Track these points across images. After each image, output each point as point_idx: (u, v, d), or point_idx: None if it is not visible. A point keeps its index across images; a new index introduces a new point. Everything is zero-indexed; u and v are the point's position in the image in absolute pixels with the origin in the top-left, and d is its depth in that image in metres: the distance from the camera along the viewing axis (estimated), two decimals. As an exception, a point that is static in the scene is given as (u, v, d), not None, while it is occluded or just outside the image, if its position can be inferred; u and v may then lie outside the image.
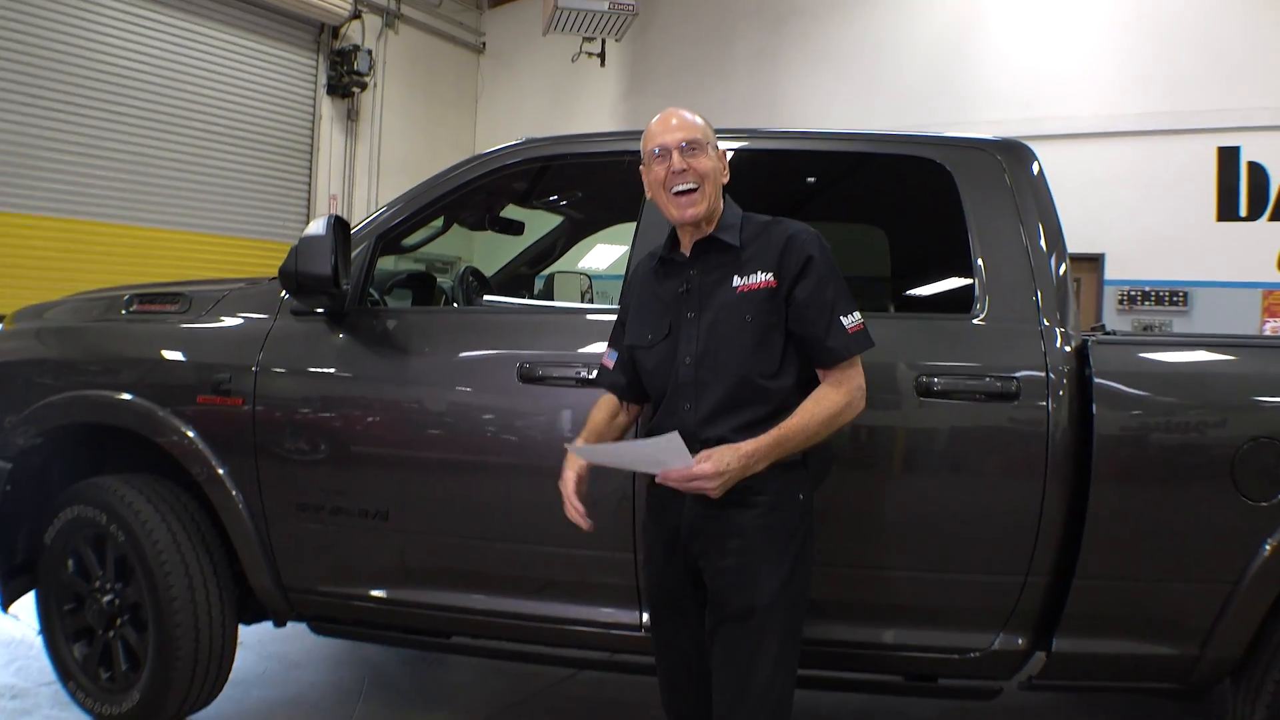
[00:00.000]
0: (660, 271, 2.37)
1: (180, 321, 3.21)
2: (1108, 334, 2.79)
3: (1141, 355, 2.75)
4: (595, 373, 2.54)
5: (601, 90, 10.56)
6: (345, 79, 10.04)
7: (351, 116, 10.32)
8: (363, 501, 2.94)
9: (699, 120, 2.32)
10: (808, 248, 2.23)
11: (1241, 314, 8.43)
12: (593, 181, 3.81)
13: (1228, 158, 8.59)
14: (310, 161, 10.09)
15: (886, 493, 2.72)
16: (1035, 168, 2.90)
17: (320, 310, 2.98)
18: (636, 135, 3.15)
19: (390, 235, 3.10)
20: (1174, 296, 8.65)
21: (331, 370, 3.01)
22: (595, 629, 2.88)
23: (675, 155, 2.23)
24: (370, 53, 10.08)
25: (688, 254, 2.32)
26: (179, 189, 8.93)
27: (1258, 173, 8.53)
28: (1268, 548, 2.56)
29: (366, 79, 10.14)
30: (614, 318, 2.55)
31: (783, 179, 3.42)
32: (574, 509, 2.30)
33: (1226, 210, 8.60)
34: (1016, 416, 2.59)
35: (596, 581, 2.85)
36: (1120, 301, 8.78)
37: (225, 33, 9.20)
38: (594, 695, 3.90)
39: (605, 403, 2.48)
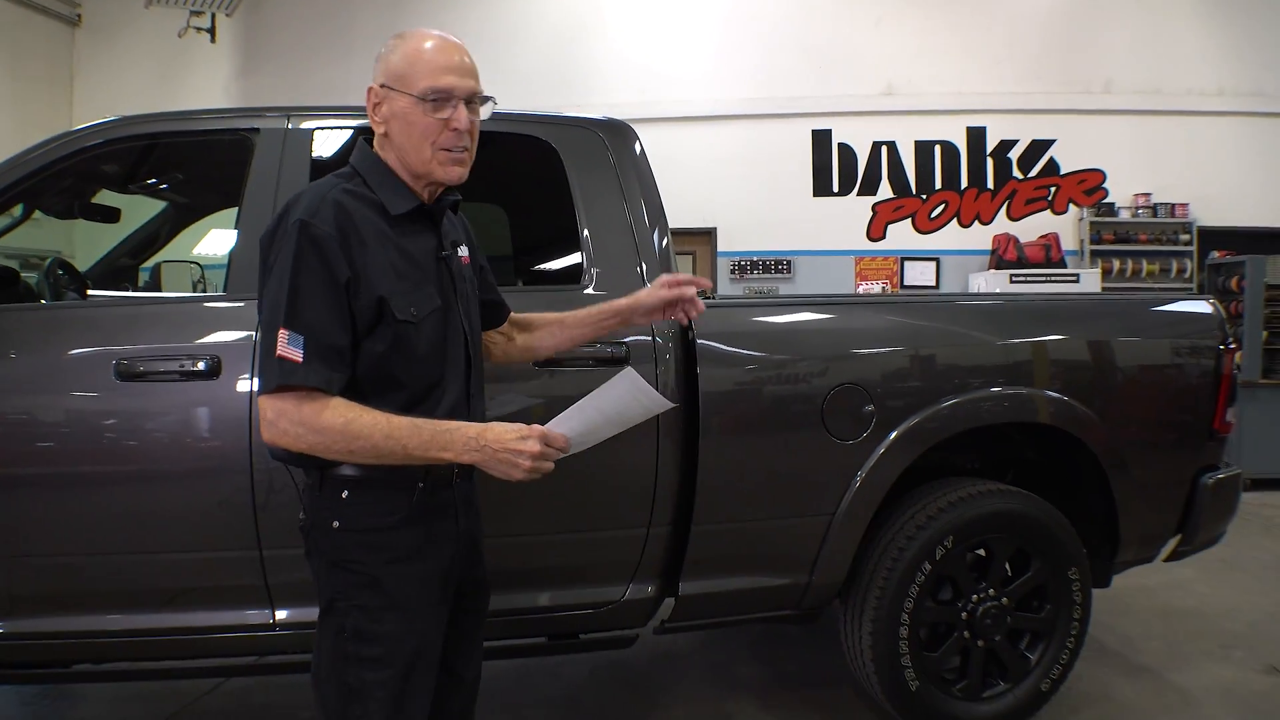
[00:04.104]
0: (402, 227, 1.89)
1: None
2: (708, 299, 3.01)
3: (738, 316, 3.00)
4: (286, 373, 1.70)
5: (213, 69, 9.91)
6: (-94, 53, 8.76)
7: (-82, 97, 9.01)
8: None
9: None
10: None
11: (839, 278, 9.41)
12: (194, 163, 3.57)
13: (821, 140, 9.52)
14: None
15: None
16: (638, 147, 3.07)
17: None
18: (240, 113, 3.03)
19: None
20: (779, 265, 9.48)
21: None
22: (231, 634, 2.74)
23: (463, 110, 1.87)
24: (-64, 23, 8.86)
25: (432, 205, 1.98)
26: None
27: (847, 153, 9.52)
28: (859, 480, 2.92)
29: (-68, 53, 8.91)
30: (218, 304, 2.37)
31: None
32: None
33: (821, 187, 9.54)
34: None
35: (224, 584, 2.70)
36: (732, 271, 9.48)
37: None
38: (242, 704, 3.69)
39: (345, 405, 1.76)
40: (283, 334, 1.71)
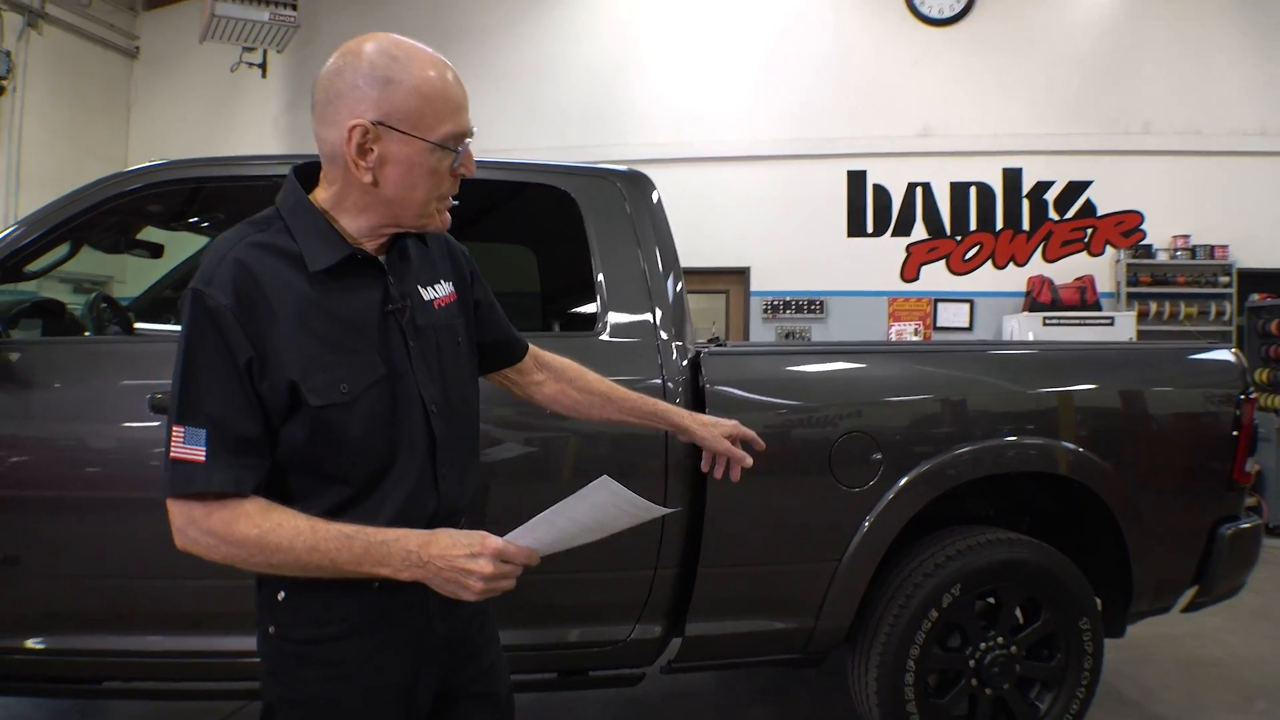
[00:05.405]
0: (328, 283, 1.53)
1: None
2: (720, 346, 3.09)
3: (748, 364, 3.07)
4: (185, 478, 1.45)
5: (263, 101, 10.18)
6: (-20, 83, 9.06)
7: (-12, 125, 9.32)
8: (-15, 548, 2.73)
9: None
10: (461, 246, 1.87)
11: (871, 320, 9.41)
12: (233, 204, 3.73)
13: (856, 181, 9.56)
14: (-65, 175, 9.01)
15: (524, 500, 2.80)
16: (655, 196, 3.16)
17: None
18: (275, 159, 3.16)
19: (8, 263, 2.90)
20: (812, 305, 9.51)
21: (-60, 410, 2.77)
22: (256, 658, 2.83)
23: (470, 151, 1.57)
24: (9, 54, 9.12)
25: (376, 253, 1.61)
26: None
27: (881, 194, 9.55)
28: (865, 526, 2.96)
29: (5, 83, 9.19)
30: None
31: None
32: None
33: (856, 227, 9.57)
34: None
35: (250, 610, 2.80)
36: (765, 311, 9.50)
37: None
38: (261, 728, 3.79)
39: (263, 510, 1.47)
40: (178, 431, 1.44)
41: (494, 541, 1.44)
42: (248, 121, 10.21)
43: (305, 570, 1.45)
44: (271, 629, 1.60)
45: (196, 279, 1.47)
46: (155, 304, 4.13)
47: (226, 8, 8.32)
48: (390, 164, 1.50)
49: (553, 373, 2.07)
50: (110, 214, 3.09)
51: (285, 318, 1.48)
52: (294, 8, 8.59)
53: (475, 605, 1.67)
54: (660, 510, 1.55)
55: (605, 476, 1.46)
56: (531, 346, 2.05)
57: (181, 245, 4.10)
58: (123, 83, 10.83)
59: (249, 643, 2.77)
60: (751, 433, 2.09)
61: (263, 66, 9.65)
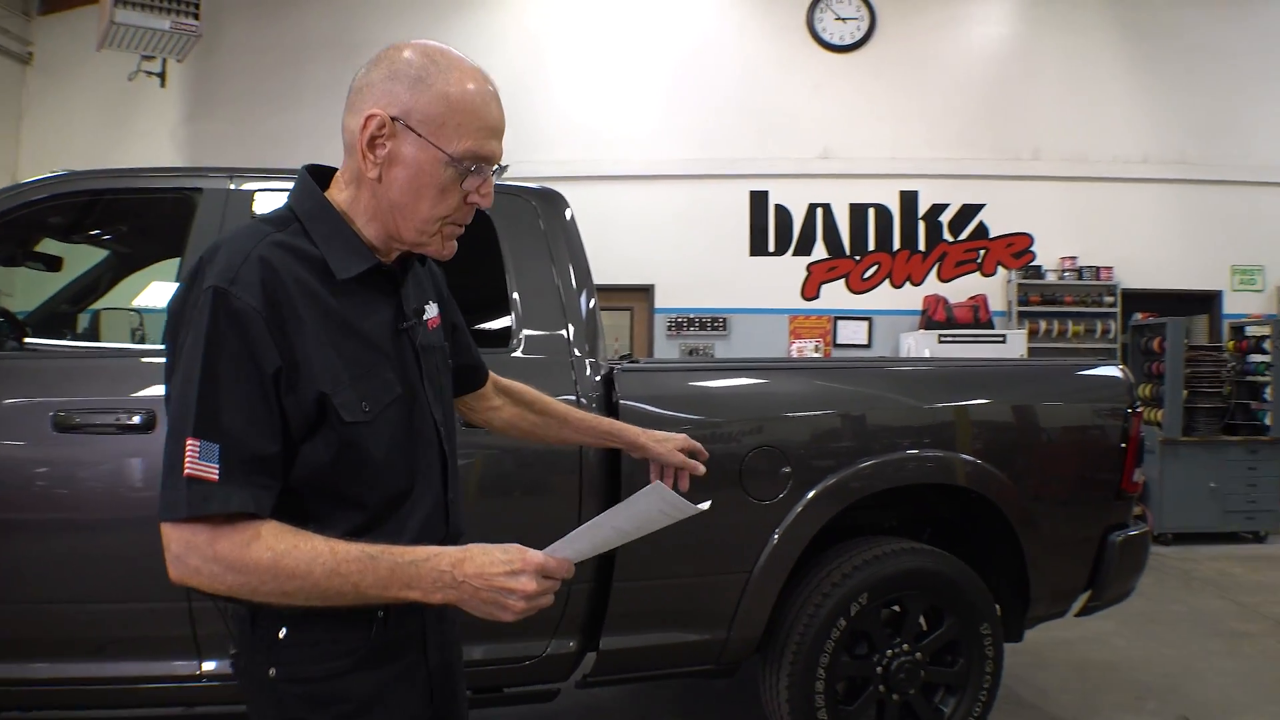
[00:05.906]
0: (349, 294, 1.45)
1: None
2: (632, 363, 3.12)
3: (661, 380, 3.12)
4: (200, 499, 1.28)
5: (162, 112, 9.91)
6: None
7: None
8: None
9: None
10: (438, 268, 1.79)
11: (772, 337, 9.60)
12: (137, 216, 3.65)
13: (758, 201, 9.75)
14: None
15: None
16: (568, 213, 3.19)
17: None
18: (184, 172, 3.11)
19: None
20: (715, 322, 9.65)
21: None
22: (159, 684, 2.77)
23: (491, 181, 1.48)
24: (-109, 57, 8.76)
25: (393, 264, 1.54)
26: None
27: (783, 214, 9.75)
28: (775, 538, 3.02)
29: (-114, 87, 8.81)
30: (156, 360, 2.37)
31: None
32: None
33: (758, 246, 9.76)
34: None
35: (153, 635, 2.74)
36: (669, 328, 9.64)
37: None
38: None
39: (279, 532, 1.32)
40: (192, 444, 1.28)
41: (535, 556, 1.32)
42: (145, 132, 9.91)
43: (324, 597, 1.30)
44: (272, 672, 1.43)
45: (216, 276, 1.33)
46: (52, 317, 4.01)
47: (126, 15, 8.07)
48: (399, 165, 1.41)
49: (510, 397, 2.03)
50: (11, 225, 2.99)
51: (312, 325, 1.37)
52: (196, 17, 8.42)
53: (454, 636, 1.65)
54: (696, 509, 1.46)
55: (658, 483, 1.42)
56: (490, 372, 2.01)
57: (80, 258, 3.99)
58: (14, 90, 10.41)
59: (151, 669, 2.74)
60: (698, 443, 2.13)
61: (162, 76, 9.38)
